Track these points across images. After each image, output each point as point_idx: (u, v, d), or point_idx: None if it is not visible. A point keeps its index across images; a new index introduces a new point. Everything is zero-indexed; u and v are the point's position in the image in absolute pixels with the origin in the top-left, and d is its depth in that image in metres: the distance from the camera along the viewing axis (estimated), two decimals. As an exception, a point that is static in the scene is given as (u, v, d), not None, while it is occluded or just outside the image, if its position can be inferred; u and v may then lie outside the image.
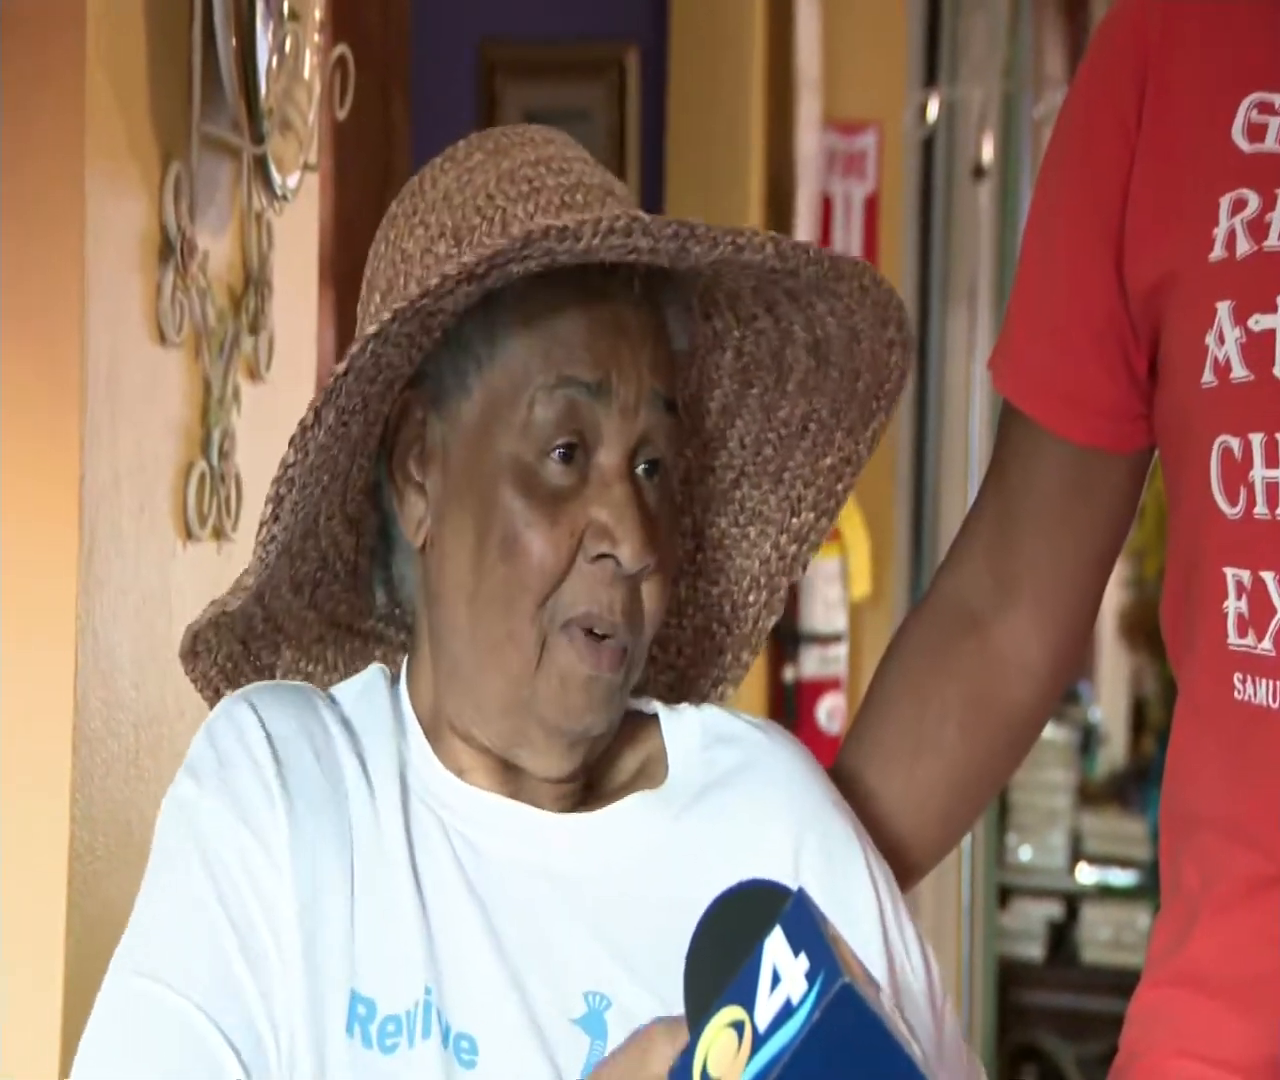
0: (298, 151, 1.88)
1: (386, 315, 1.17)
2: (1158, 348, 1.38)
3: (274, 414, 1.81)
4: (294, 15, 1.82)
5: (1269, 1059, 1.29)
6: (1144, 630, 6.16)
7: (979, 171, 4.62)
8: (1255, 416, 1.29)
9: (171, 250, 1.63)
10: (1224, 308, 1.30)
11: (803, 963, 0.96)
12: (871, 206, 4.27)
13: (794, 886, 1.02)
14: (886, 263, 4.32)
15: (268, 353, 1.84)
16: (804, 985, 0.95)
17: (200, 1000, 1.18)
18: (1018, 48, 4.83)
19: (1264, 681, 1.30)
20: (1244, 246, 1.30)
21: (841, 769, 1.48)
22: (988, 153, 4.60)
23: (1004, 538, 1.47)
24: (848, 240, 4.20)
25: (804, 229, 3.84)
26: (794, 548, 1.42)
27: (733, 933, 1.06)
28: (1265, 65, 1.34)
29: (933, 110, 4.55)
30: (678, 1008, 1.19)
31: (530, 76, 3.67)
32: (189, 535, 1.69)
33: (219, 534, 1.74)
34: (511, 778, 1.27)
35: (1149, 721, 6.55)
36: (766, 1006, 0.97)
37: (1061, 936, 5.41)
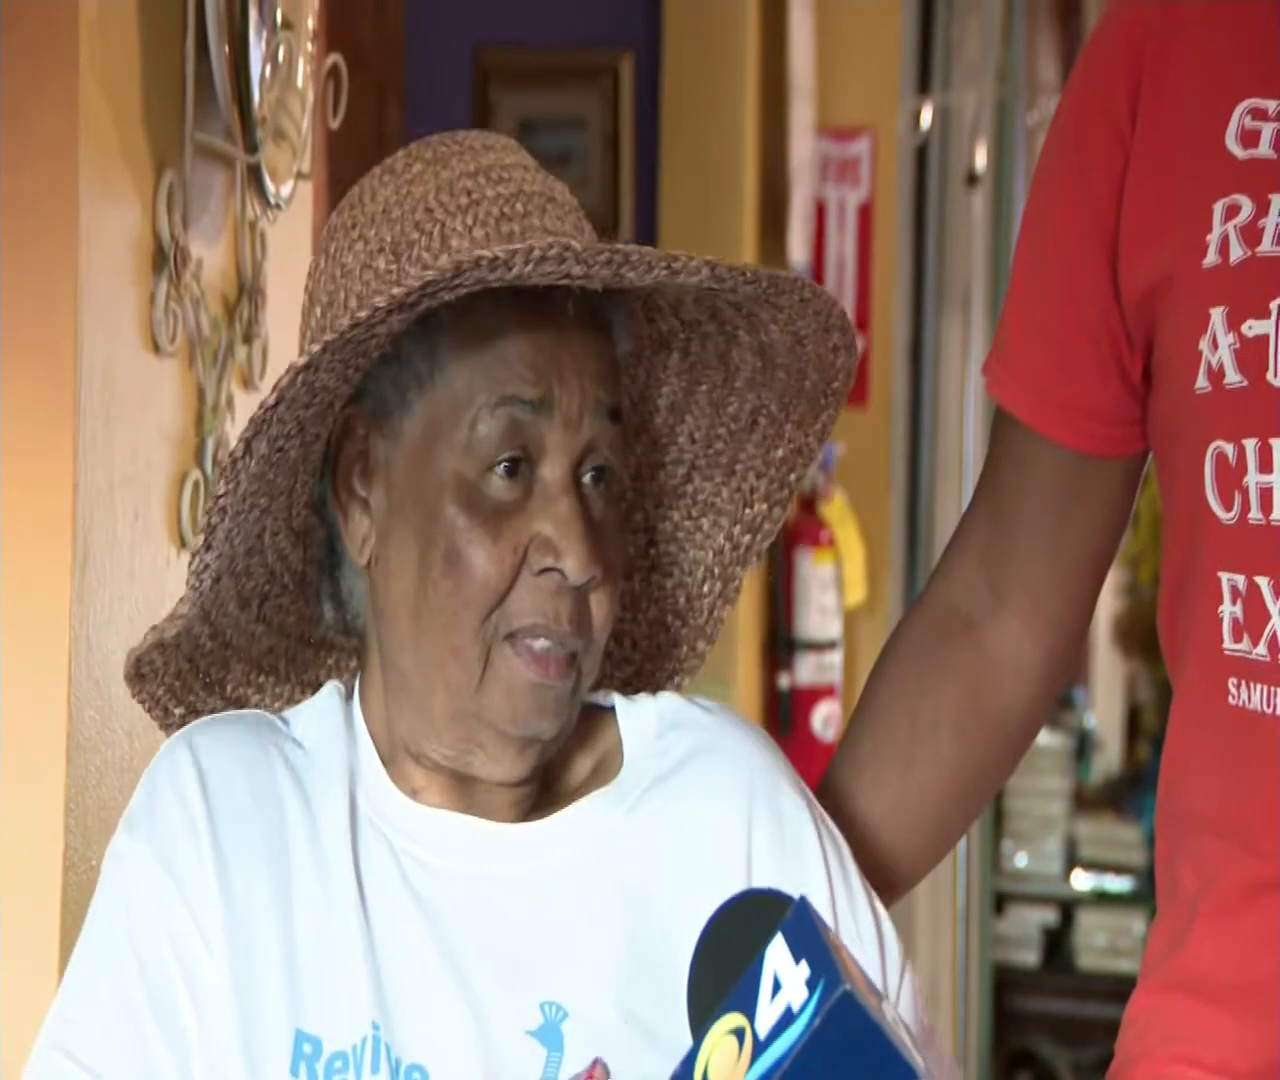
0: (291, 160, 1.88)
1: (316, 348, 1.16)
2: (1151, 353, 1.38)
3: (268, 422, 1.81)
4: (287, 24, 1.82)
5: (1267, 1063, 1.29)
6: (1138, 636, 6.16)
7: (973, 178, 4.63)
8: (1249, 422, 1.29)
9: (165, 259, 1.63)
10: (1217, 313, 1.30)
11: (804, 970, 0.96)
12: (865, 213, 4.28)
13: (787, 889, 1.02)
14: (880, 269, 4.33)
15: (261, 361, 1.84)
16: (805, 992, 0.96)
17: (109, 1076, 1.20)
18: (1011, 54, 4.84)
19: (1259, 687, 1.30)
20: (1237, 252, 1.30)
21: (834, 776, 1.48)
22: (981, 159, 4.60)
23: (998, 542, 1.47)
24: (841, 247, 4.21)
25: (798, 235, 3.84)
26: (747, 538, 1.42)
27: (735, 940, 1.06)
28: (1259, 71, 1.34)
29: (926, 117, 4.55)
30: (638, 1013, 1.19)
31: (524, 84, 3.67)
32: (183, 544, 1.70)
33: (213, 542, 1.74)
34: (466, 793, 1.27)
35: (1144, 728, 6.55)
36: (767, 1013, 0.97)
37: (1057, 942, 5.41)
